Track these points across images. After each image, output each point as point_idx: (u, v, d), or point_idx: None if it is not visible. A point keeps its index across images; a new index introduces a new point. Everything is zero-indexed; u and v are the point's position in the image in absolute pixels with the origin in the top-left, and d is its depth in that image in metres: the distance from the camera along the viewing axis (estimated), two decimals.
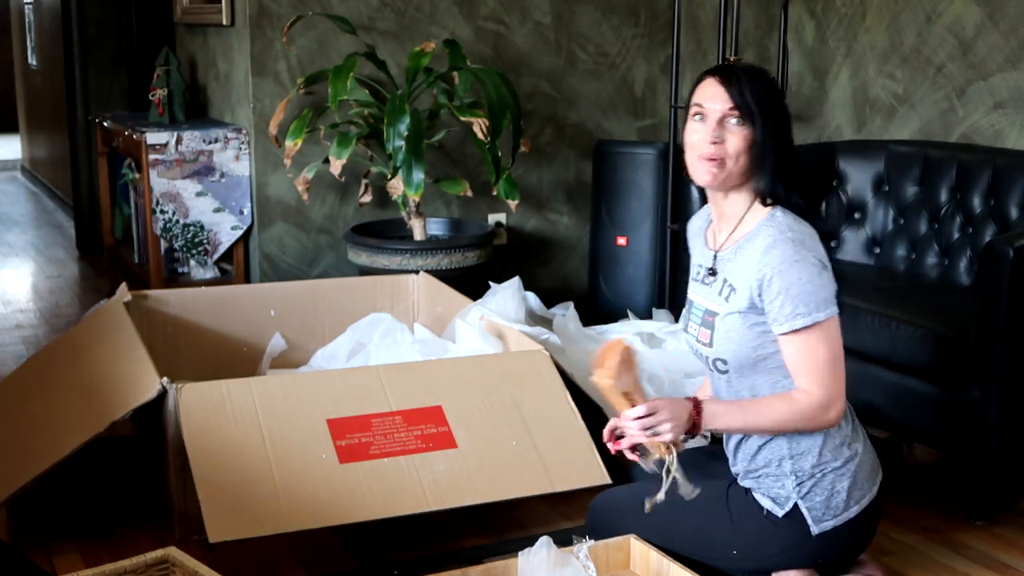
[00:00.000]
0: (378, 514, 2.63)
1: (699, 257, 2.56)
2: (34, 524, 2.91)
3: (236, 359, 3.60)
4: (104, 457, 3.19)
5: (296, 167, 4.25)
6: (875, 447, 2.50)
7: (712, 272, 2.47)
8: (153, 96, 4.85)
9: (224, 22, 4.51)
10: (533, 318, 3.74)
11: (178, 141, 4.43)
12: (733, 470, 2.51)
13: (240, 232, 4.50)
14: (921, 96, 4.03)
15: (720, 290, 2.42)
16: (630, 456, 2.37)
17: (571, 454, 2.84)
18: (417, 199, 4.10)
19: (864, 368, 3.21)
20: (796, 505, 2.39)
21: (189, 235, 4.46)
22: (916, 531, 2.89)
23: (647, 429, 2.28)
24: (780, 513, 2.40)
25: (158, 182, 4.42)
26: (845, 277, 3.69)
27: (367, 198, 4.41)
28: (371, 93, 4.24)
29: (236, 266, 4.57)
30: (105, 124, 5.22)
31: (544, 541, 2.43)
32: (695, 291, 2.53)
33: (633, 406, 2.30)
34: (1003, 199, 3.52)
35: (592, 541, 2.46)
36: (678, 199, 3.95)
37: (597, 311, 4.61)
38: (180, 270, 4.73)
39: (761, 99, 2.36)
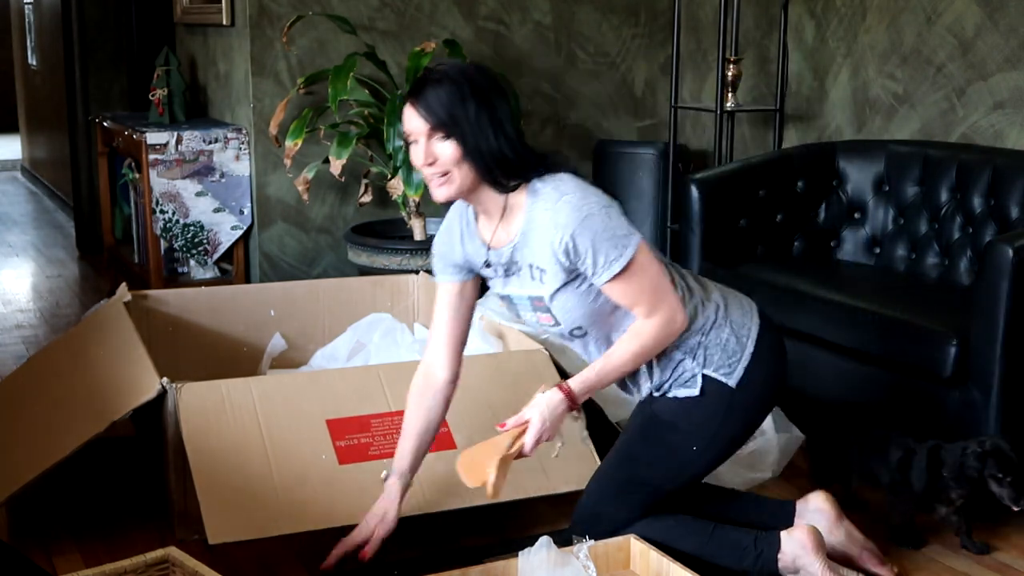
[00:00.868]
0: None
1: (478, 257, 2.55)
2: (34, 524, 2.90)
3: (236, 359, 3.60)
4: (104, 457, 3.17)
5: (296, 167, 4.24)
6: None
7: (508, 266, 2.49)
8: (153, 96, 4.85)
9: (224, 22, 4.51)
10: None
11: (178, 141, 4.43)
12: (644, 397, 2.61)
13: (240, 232, 4.50)
14: (921, 96, 4.03)
15: (532, 275, 2.46)
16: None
17: (570, 454, 2.83)
18: (417, 199, 4.09)
19: (863, 368, 3.22)
20: (705, 376, 2.51)
21: (189, 235, 4.46)
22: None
23: (538, 443, 2.40)
24: (697, 390, 2.51)
25: (158, 182, 4.42)
26: (845, 276, 3.74)
27: (367, 198, 4.41)
28: (371, 93, 4.24)
29: (236, 266, 4.57)
30: (105, 124, 5.21)
31: (544, 541, 2.42)
32: (506, 286, 2.55)
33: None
34: (1003, 199, 3.51)
35: (592, 541, 2.45)
36: (678, 198, 3.94)
37: None
38: (180, 270, 4.73)
39: (451, 107, 2.34)
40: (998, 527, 2.86)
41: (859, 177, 3.96)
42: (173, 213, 4.44)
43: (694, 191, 3.75)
